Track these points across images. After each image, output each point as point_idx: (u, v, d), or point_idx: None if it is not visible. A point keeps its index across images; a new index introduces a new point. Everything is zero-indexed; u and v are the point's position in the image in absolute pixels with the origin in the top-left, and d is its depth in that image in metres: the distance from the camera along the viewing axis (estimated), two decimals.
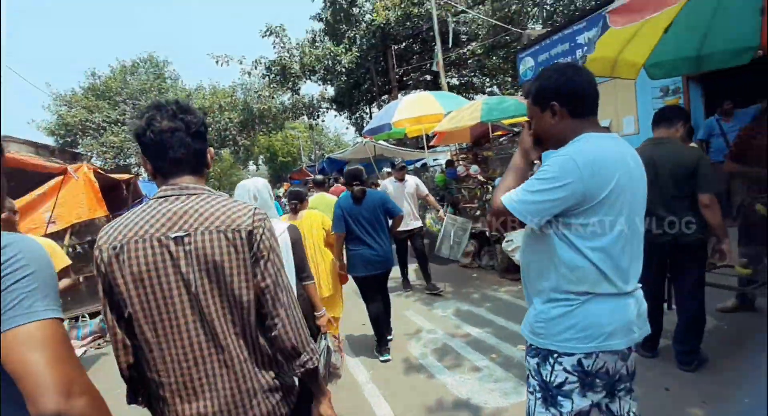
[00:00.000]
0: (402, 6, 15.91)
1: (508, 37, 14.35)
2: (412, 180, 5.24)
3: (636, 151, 2.59)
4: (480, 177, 5.45)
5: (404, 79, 19.20)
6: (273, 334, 1.11)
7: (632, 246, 1.28)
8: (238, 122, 27.29)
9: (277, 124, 28.20)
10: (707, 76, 6.38)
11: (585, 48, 7.77)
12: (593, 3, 13.44)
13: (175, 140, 1.10)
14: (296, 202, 3.49)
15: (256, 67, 17.34)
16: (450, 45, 13.48)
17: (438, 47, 12.54)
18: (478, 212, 5.50)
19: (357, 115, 22.12)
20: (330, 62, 16.10)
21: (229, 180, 45.23)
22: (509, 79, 19.19)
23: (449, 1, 13.64)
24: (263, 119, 26.64)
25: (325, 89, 20.57)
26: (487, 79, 19.27)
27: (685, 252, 2.48)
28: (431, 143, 6.55)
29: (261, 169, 48.40)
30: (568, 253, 1.24)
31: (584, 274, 1.23)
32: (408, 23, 15.67)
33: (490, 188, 5.14)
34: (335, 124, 64.11)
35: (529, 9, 14.18)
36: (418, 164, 11.49)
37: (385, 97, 21.12)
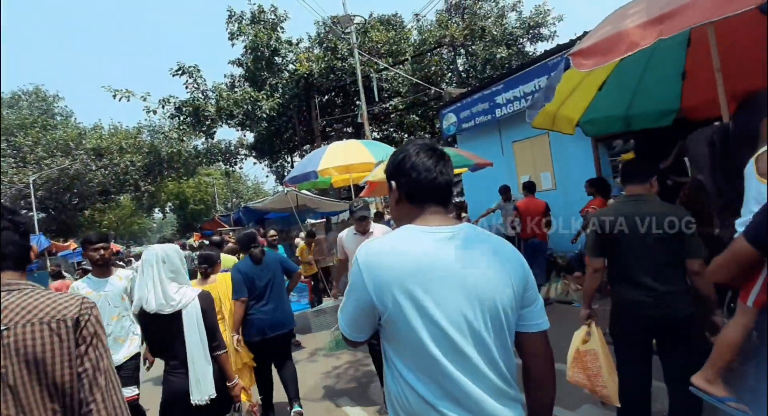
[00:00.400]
0: (326, 59, 16.07)
1: (425, 97, 15.09)
2: (380, 231, 3.67)
3: (610, 210, 2.18)
4: None
5: (327, 130, 19.10)
6: None
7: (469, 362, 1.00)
8: (142, 166, 24.69)
9: (189, 169, 26.07)
10: (611, 137, 6.92)
11: (530, 98, 8.12)
12: (503, 71, 14.88)
13: (3, 237, 1.17)
14: (206, 266, 3.47)
15: (163, 107, 15.80)
16: (376, 99, 13.68)
17: (362, 100, 12.60)
18: None
19: (278, 163, 21.27)
20: (250, 107, 15.35)
21: (129, 229, 40.26)
22: (427, 135, 20.13)
23: (372, 58, 14.05)
24: (172, 163, 24.44)
25: (244, 135, 19.60)
26: (406, 135, 19.97)
27: (678, 328, 2.10)
28: (361, 194, 6.04)
29: (168, 217, 44.09)
30: (390, 378, 1.08)
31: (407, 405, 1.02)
32: (332, 76, 15.78)
33: None
34: (255, 172, 61.96)
35: (444, 71, 15.22)
36: (344, 216, 10.91)
37: (307, 146, 20.72)
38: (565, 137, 7.43)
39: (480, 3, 15.52)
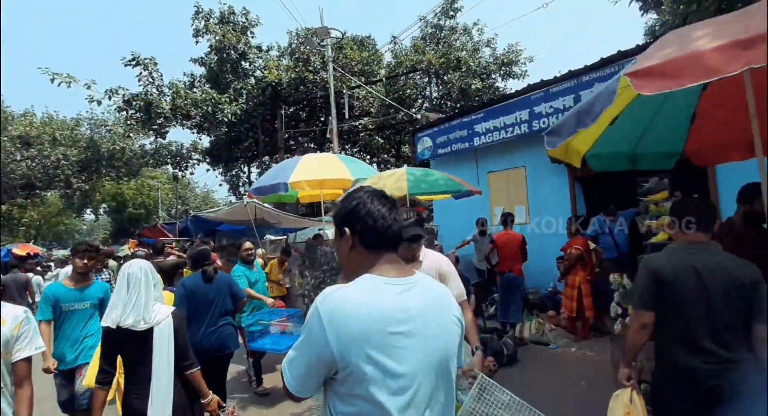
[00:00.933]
0: (296, 70, 15.58)
1: (393, 120, 14.98)
2: (432, 261, 2.41)
3: (667, 258, 1.82)
4: None
5: (290, 143, 18.38)
6: None
7: None
8: (77, 161, 22.35)
9: (132, 170, 24.00)
10: (587, 177, 6.96)
11: (510, 130, 8.01)
12: (476, 102, 15.15)
13: None
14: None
15: (110, 97, 14.26)
16: (346, 116, 13.29)
17: (333, 115, 12.17)
18: None
19: (233, 172, 20.09)
20: (210, 109, 14.36)
21: (54, 229, 36.13)
22: (392, 159, 20.01)
23: (346, 75, 13.75)
24: (113, 161, 22.38)
25: (200, 139, 18.36)
26: (368, 156, 19.73)
27: (740, 401, 1.77)
28: (331, 213, 5.53)
29: (102, 220, 40.22)
30: None
31: None
32: (302, 87, 15.26)
33: None
34: (206, 179, 59.03)
35: (417, 96, 15.27)
36: (305, 234, 10.20)
37: (266, 158, 19.80)
38: (541, 171, 7.46)
39: (456, 35, 15.91)
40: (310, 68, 15.06)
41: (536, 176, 7.52)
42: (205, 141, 18.17)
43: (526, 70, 15.57)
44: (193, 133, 16.60)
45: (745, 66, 1.68)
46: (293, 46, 17.28)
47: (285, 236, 9.40)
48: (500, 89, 15.73)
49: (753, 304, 1.77)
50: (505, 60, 15.44)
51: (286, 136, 16.64)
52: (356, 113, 15.64)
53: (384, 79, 14.67)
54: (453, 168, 8.88)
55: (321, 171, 5.59)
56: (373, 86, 15.28)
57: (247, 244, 4.79)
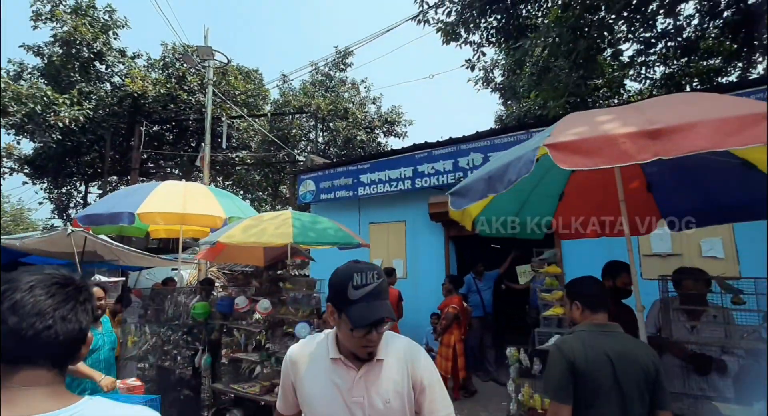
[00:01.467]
0: (168, 86, 13.89)
1: (274, 158, 14.31)
2: (401, 359, 1.41)
3: (578, 341, 1.72)
4: (268, 319, 3.75)
5: (147, 164, 15.89)
6: None
7: None
8: None
9: None
10: (461, 237, 7.37)
11: (395, 184, 7.98)
12: (361, 152, 15.48)
13: None
14: None
15: None
16: (224, 146, 12.07)
17: (207, 142, 10.93)
18: (254, 370, 3.63)
19: (63, 190, 16.29)
20: (39, 108, 11.53)
21: None
22: (268, 197, 18.91)
23: (227, 101, 12.74)
24: None
25: (18, 143, 14.56)
26: (242, 192, 18.34)
27: None
28: (199, 256, 4.57)
29: None
30: None
31: None
32: (172, 106, 13.56)
33: (284, 341, 3.50)
34: (21, 193, 47.53)
35: (302, 138, 14.97)
36: (153, 275, 8.42)
37: (114, 178, 16.69)
38: (420, 227, 7.66)
39: (345, 87, 16.43)
40: (185, 87, 13.56)
41: (415, 232, 7.69)
42: (27, 147, 14.47)
43: (406, 132, 16.84)
44: (9, 134, 13.08)
45: (655, 156, 1.77)
46: (167, 59, 15.53)
47: (123, 278, 7.56)
48: (381, 145, 16.56)
49: (657, 391, 1.74)
50: (389, 118, 16.46)
51: (145, 156, 14.34)
52: (234, 145, 14.44)
53: (269, 115, 14.03)
54: (335, 215, 8.57)
55: (185, 204, 4.65)
56: (257, 120, 14.47)
57: (95, 290, 3.20)
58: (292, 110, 14.24)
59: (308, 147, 15.27)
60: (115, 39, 14.63)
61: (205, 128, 11.15)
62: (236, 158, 14.98)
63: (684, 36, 9.89)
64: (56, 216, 16.51)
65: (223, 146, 12.26)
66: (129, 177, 12.87)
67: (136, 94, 12.89)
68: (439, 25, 10.10)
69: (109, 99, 13.31)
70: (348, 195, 8.27)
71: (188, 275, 10.73)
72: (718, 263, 5.27)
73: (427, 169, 7.39)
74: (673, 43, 10.13)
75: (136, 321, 5.53)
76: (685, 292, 2.80)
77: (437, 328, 5.74)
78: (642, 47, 10.34)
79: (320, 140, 15.21)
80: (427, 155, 7.45)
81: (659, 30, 9.90)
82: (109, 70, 13.86)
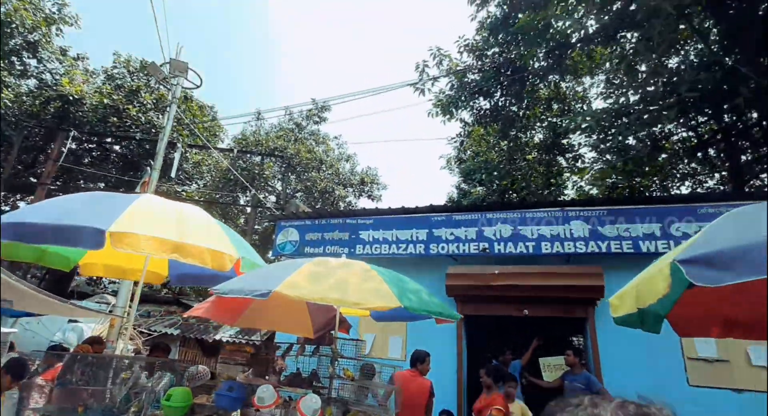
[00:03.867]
0: (114, 97, 11.83)
1: (231, 197, 12.52)
2: None
3: None
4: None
5: (63, 178, 12.85)
6: None
7: None
8: None
9: None
10: (472, 317, 6.41)
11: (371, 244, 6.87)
12: (336, 206, 14.23)
13: None
14: None
15: None
16: (173, 175, 10.08)
17: (158, 166, 9.05)
18: None
19: None
20: None
21: None
22: None
23: (192, 126, 11.05)
24: None
25: None
26: None
27: None
28: (190, 313, 3.00)
29: None
30: None
31: None
32: (114, 120, 11.40)
33: None
34: None
35: (267, 181, 13.43)
36: (55, 326, 5.93)
37: (5, 193, 13.19)
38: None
39: (318, 138, 15.57)
40: (137, 103, 11.63)
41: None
42: None
43: (381, 195, 16.15)
44: None
45: None
46: (116, 71, 13.54)
47: (13, 330, 5.08)
48: (353, 204, 15.49)
49: None
50: (365, 178, 15.67)
51: (59, 168, 11.55)
52: (181, 177, 12.37)
53: (235, 151, 12.42)
54: None
55: (181, 229, 3.17)
56: (215, 155, 12.76)
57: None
58: (262, 151, 12.76)
59: (276, 193, 13.68)
60: (57, 35, 12.47)
61: (157, 151, 9.31)
62: (183, 192, 12.76)
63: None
64: None
65: (172, 175, 10.29)
66: (33, 197, 10.03)
67: (71, 97, 10.64)
68: (440, 96, 10.06)
69: (31, 97, 10.81)
70: (341, 252, 6.99)
71: (90, 332, 8.06)
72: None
73: (445, 234, 6.55)
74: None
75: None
76: None
77: None
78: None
79: (298, 187, 13.73)
80: (446, 219, 6.66)
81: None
82: (41, 64, 11.50)
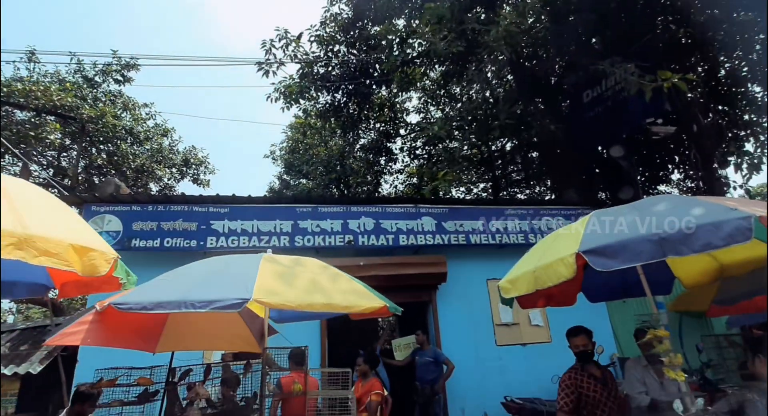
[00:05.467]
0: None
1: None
2: None
3: None
4: None
5: None
6: None
7: None
8: None
9: None
10: None
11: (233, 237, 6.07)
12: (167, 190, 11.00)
13: None
14: None
15: None
16: None
17: None
18: None
19: None
20: None
21: None
22: None
23: None
24: None
25: None
26: None
27: None
28: (61, 340, 1.98)
29: None
30: None
31: None
32: None
33: None
34: None
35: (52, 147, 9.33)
36: None
37: None
38: None
39: (128, 102, 11.48)
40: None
41: None
42: None
43: (209, 179, 13.37)
44: None
45: None
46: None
47: None
48: (174, 188, 12.35)
49: None
50: (191, 159, 12.70)
51: None
52: None
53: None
54: (157, 270, 5.89)
55: (22, 214, 2.23)
56: None
57: None
58: (41, 107, 8.55)
59: (67, 167, 9.57)
60: None
61: None
62: None
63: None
64: None
65: None
66: None
67: None
68: (289, 82, 9.68)
69: None
70: (189, 245, 5.91)
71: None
72: (541, 329, 7.01)
73: (311, 226, 6.43)
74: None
75: None
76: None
77: None
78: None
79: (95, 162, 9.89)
80: (312, 211, 6.54)
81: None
82: None
